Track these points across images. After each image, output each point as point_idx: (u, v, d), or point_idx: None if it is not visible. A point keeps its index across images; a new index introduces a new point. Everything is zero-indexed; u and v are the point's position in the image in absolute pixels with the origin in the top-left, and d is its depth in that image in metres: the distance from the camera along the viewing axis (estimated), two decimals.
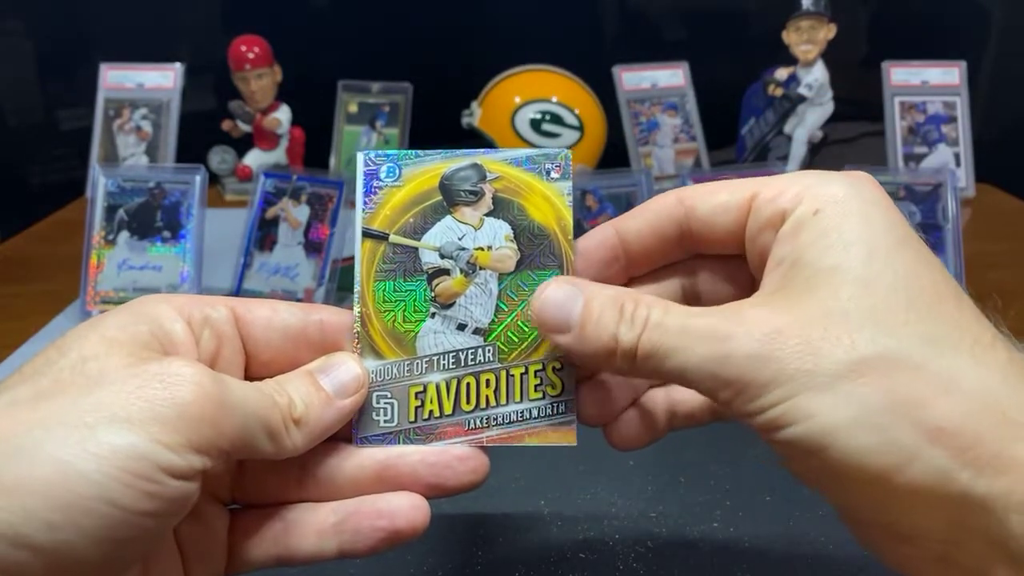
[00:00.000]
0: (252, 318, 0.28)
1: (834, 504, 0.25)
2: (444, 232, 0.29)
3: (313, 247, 0.69)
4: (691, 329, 0.24)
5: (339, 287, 0.69)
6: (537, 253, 0.29)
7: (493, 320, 0.29)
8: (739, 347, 0.23)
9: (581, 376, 0.29)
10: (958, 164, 1.03)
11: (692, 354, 0.24)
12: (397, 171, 0.29)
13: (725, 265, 0.29)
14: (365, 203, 0.29)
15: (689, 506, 0.45)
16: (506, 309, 0.29)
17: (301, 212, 0.70)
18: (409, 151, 0.29)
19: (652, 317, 0.25)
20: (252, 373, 0.28)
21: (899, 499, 0.22)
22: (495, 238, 0.29)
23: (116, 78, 1.06)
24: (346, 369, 0.28)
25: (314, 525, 0.27)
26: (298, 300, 0.68)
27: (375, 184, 0.29)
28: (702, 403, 0.31)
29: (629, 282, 0.30)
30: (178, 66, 1.05)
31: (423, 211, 0.29)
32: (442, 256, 0.29)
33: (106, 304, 0.68)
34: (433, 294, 0.29)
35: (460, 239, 0.29)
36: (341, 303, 0.70)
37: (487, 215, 0.29)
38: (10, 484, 0.20)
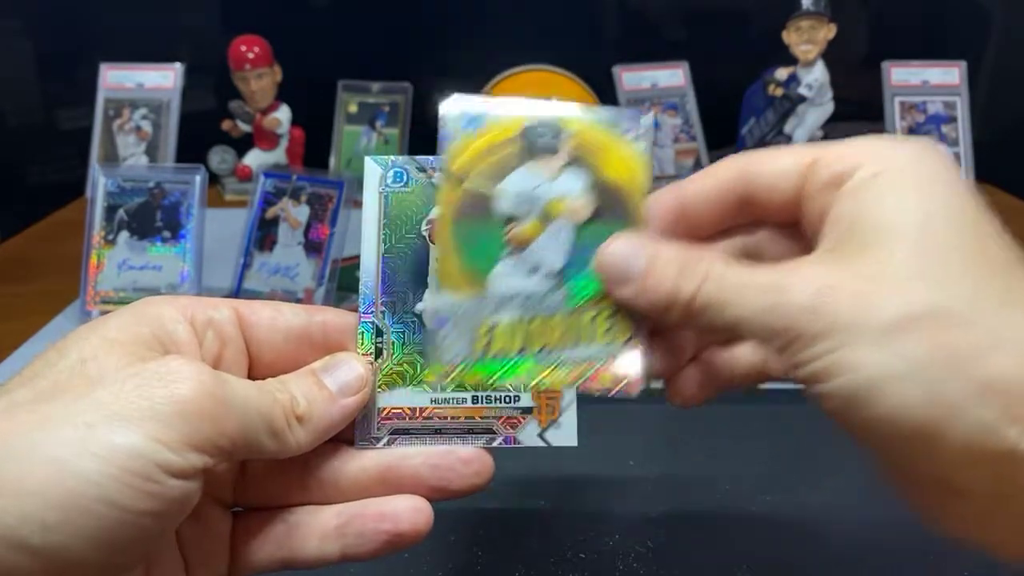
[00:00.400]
0: (255, 319, 0.28)
1: (880, 459, 0.25)
2: (521, 180, 0.29)
3: (313, 247, 0.69)
4: (748, 282, 0.25)
5: (339, 287, 0.69)
6: (610, 208, 0.29)
7: (565, 266, 0.29)
8: (793, 299, 0.23)
9: (649, 328, 0.29)
10: (958, 164, 1.03)
11: (748, 305, 0.24)
12: (482, 121, 0.30)
13: (785, 233, 0.29)
14: (446, 147, 0.29)
15: (689, 506, 0.45)
16: (578, 257, 0.29)
17: (301, 212, 0.70)
18: (493, 101, 0.30)
19: (713, 271, 0.25)
20: (255, 375, 0.28)
21: (946, 453, 0.22)
22: (570, 189, 0.29)
23: (116, 78, 1.06)
24: (349, 368, 0.28)
25: (317, 528, 0.27)
26: (298, 300, 0.68)
27: (456, 130, 0.29)
28: (756, 363, 0.31)
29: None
30: (178, 66, 1.05)
31: (501, 159, 0.29)
32: (517, 202, 0.29)
33: (106, 304, 0.68)
34: (507, 238, 0.29)
35: (535, 188, 0.29)
36: (341, 303, 0.70)
37: (564, 166, 0.29)
38: (9, 486, 0.20)
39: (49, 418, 0.22)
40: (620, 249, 0.27)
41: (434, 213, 0.29)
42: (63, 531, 0.20)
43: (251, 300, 0.29)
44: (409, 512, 0.27)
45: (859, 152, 0.26)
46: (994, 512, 0.23)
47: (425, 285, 0.29)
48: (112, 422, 0.21)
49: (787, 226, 0.29)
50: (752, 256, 0.30)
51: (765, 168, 0.28)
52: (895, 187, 0.24)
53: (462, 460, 0.28)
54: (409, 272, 0.29)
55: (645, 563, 0.41)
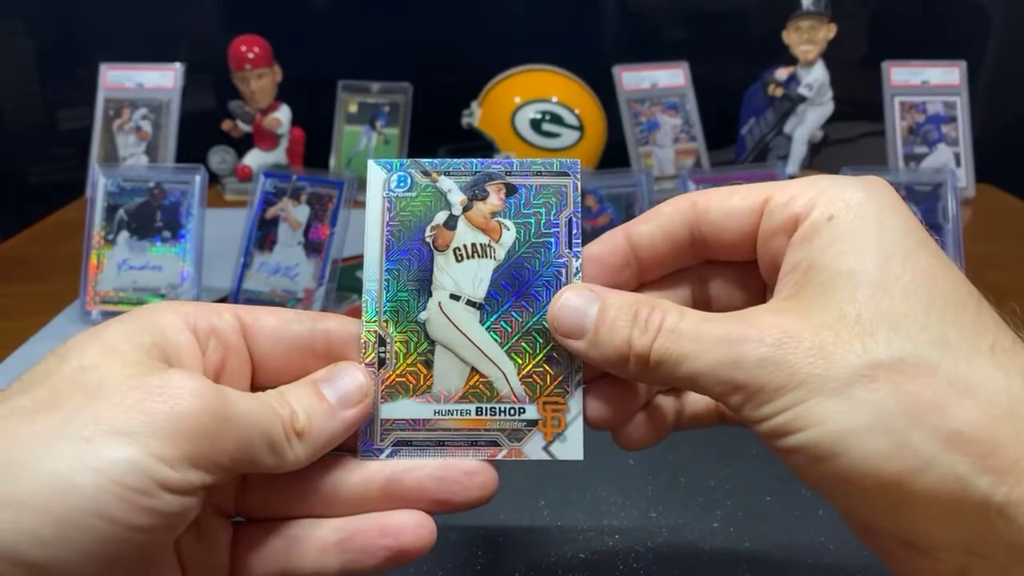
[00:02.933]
0: (259, 327, 0.28)
1: (846, 514, 0.24)
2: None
3: (313, 247, 0.69)
4: (704, 334, 0.24)
5: (339, 287, 0.69)
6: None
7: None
8: (751, 352, 0.23)
9: (594, 377, 0.29)
10: (958, 164, 1.03)
11: (704, 359, 0.24)
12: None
13: (736, 271, 0.29)
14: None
15: (689, 506, 0.45)
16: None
17: (301, 212, 0.70)
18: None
19: (666, 323, 0.25)
20: (259, 382, 0.28)
21: (914, 507, 0.21)
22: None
23: (116, 78, 1.06)
24: (350, 378, 0.27)
25: (317, 542, 0.27)
26: (298, 300, 0.68)
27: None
28: (708, 406, 0.31)
29: (640, 288, 0.30)
30: (178, 66, 1.05)
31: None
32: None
33: (106, 304, 0.68)
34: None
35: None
36: (340, 304, 0.70)
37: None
38: (5, 499, 0.20)
39: (47, 430, 0.21)
40: (571, 300, 0.26)
41: (438, 219, 0.29)
42: (59, 546, 0.20)
43: (255, 306, 0.28)
44: (412, 527, 0.27)
45: (810, 193, 0.25)
46: (966, 570, 0.22)
47: (429, 293, 0.29)
48: (110, 436, 0.21)
49: (738, 266, 0.28)
50: (703, 304, 0.29)
51: (716, 207, 0.27)
52: (851, 230, 0.24)
53: (466, 473, 0.27)
54: (413, 280, 0.29)
55: (645, 563, 0.41)
